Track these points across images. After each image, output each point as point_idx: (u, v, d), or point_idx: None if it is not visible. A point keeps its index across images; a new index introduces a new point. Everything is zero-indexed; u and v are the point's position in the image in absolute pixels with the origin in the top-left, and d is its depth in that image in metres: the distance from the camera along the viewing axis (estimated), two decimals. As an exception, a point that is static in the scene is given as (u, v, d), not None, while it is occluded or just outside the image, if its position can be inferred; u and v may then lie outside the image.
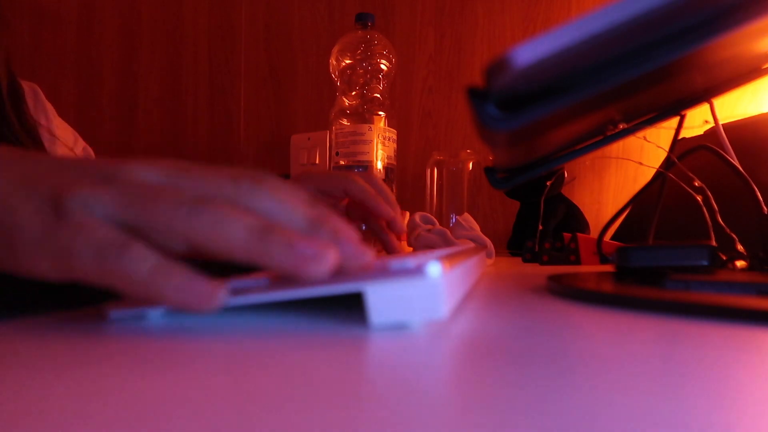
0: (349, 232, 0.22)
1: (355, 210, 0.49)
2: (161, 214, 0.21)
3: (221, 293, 0.20)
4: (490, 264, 0.61)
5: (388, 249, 0.50)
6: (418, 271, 0.19)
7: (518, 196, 1.02)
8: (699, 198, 0.41)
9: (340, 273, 0.21)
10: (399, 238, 0.50)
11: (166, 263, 0.20)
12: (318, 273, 0.20)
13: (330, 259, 0.20)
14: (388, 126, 0.87)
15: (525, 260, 0.71)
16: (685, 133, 0.46)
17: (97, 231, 0.20)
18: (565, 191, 0.99)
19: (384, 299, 0.19)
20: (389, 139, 0.87)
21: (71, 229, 0.20)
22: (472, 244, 0.57)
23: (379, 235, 0.49)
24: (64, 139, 0.77)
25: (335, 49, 0.89)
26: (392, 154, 0.88)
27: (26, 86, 0.67)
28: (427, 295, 0.19)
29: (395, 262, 0.20)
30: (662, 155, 0.46)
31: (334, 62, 0.89)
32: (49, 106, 0.75)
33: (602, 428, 0.10)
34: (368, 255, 0.22)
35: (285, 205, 0.23)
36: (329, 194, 0.47)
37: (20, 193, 0.21)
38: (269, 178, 0.23)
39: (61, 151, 0.74)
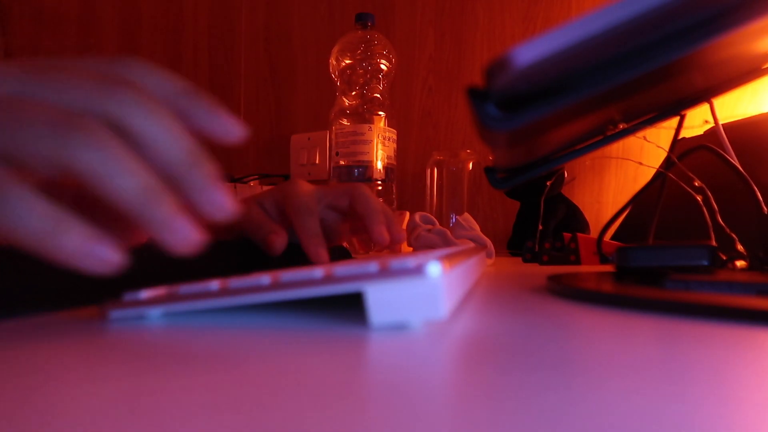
0: (220, 182, 0.22)
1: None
2: (33, 140, 0.18)
3: (108, 251, 0.19)
4: (490, 264, 0.61)
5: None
6: (418, 271, 0.19)
7: (518, 196, 1.02)
8: (699, 198, 0.41)
9: (338, 274, 0.21)
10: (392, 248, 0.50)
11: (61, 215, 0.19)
12: (182, 251, 0.20)
13: (197, 239, 0.20)
14: (388, 126, 0.87)
15: (525, 260, 0.71)
16: (685, 133, 0.46)
17: None
18: (565, 191, 0.99)
19: (384, 299, 0.19)
20: (389, 139, 0.87)
21: None
22: (472, 244, 0.57)
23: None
24: None
25: (335, 49, 0.89)
26: (392, 154, 0.88)
27: None
28: (427, 295, 0.19)
29: (395, 262, 0.20)
30: (662, 155, 0.46)
31: (334, 62, 0.89)
32: None
33: (602, 428, 0.10)
34: (232, 207, 0.22)
35: (166, 132, 0.21)
36: (336, 210, 0.48)
37: None
38: (147, 91, 0.21)
39: None
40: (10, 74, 0.20)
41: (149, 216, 0.20)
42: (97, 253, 0.19)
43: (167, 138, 0.21)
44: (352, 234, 0.53)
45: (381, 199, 0.73)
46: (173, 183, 0.21)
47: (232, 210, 0.21)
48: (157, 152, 0.21)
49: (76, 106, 0.20)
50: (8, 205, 0.18)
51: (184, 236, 0.20)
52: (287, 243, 0.44)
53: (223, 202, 0.21)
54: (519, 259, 0.79)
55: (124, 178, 0.19)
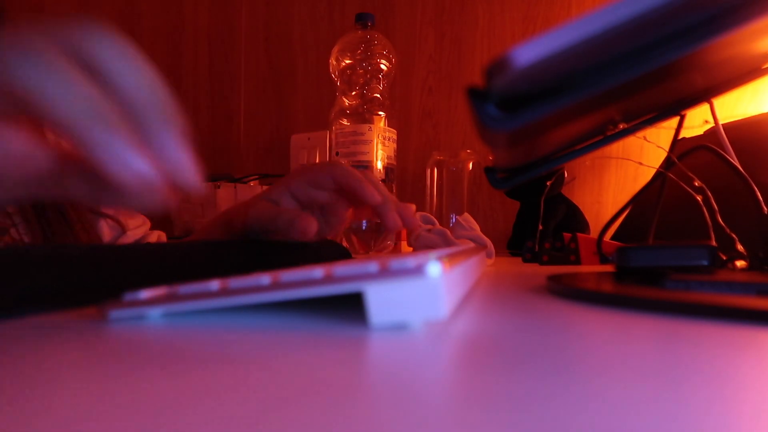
0: (179, 125, 0.20)
1: (361, 210, 0.48)
2: None
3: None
4: (490, 264, 0.61)
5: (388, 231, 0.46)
6: (418, 270, 0.19)
7: (518, 196, 1.02)
8: (699, 198, 0.41)
9: (338, 274, 0.21)
10: (392, 230, 0.48)
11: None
12: (121, 177, 0.18)
13: (143, 168, 0.18)
14: (388, 126, 0.87)
15: (525, 260, 0.71)
16: (685, 133, 0.46)
17: None
18: (565, 191, 0.99)
19: (384, 299, 0.19)
20: (389, 139, 0.87)
21: None
22: (472, 244, 0.57)
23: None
24: None
25: (335, 49, 0.89)
26: (392, 154, 0.88)
27: None
28: (427, 295, 0.19)
29: (395, 262, 0.20)
30: (662, 155, 0.46)
31: (334, 62, 0.89)
32: None
33: (602, 428, 0.10)
34: (185, 153, 0.20)
35: (131, 65, 0.20)
36: (320, 187, 0.45)
37: None
38: (113, 30, 0.21)
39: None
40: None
41: (90, 135, 0.18)
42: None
43: (132, 72, 0.20)
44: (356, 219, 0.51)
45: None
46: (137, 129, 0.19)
47: (193, 175, 0.20)
48: (125, 88, 0.19)
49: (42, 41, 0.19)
50: (56, 78, 0.18)
51: (129, 163, 0.18)
52: (317, 226, 0.40)
53: (184, 161, 0.20)
54: (519, 259, 0.79)
55: (67, 96, 0.18)
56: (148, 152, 0.19)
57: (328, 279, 0.20)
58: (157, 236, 0.68)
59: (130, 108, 0.19)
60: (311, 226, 0.39)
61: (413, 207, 0.45)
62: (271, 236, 0.42)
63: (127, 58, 0.20)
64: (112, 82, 0.19)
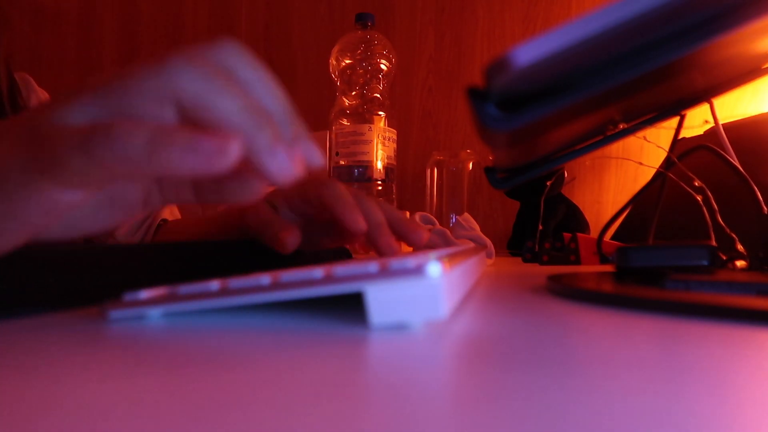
0: (311, 137, 0.24)
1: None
2: (144, 80, 0.20)
3: (233, 146, 0.19)
4: (490, 264, 0.61)
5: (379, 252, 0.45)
6: (418, 271, 0.19)
7: (518, 196, 1.02)
8: (699, 198, 0.41)
9: (338, 274, 0.21)
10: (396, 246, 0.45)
11: (163, 126, 0.19)
12: (285, 178, 0.21)
13: (292, 170, 0.21)
14: (388, 126, 0.87)
15: (525, 260, 0.71)
16: (685, 133, 0.46)
17: (70, 129, 0.20)
18: (565, 191, 0.99)
19: (384, 299, 0.19)
20: (389, 139, 0.87)
21: (51, 141, 0.20)
22: (472, 244, 0.57)
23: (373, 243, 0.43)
24: None
25: (335, 49, 0.89)
26: (392, 154, 0.88)
27: (18, 78, 0.67)
28: (427, 295, 0.19)
29: (395, 262, 0.20)
30: (662, 155, 0.46)
31: (334, 62, 0.89)
32: (42, 94, 0.75)
33: (602, 428, 0.10)
34: (322, 158, 0.24)
35: (269, 85, 0.23)
36: (308, 203, 0.43)
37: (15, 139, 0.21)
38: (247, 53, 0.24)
39: None
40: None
41: (254, 136, 0.20)
42: (205, 147, 0.19)
43: (268, 89, 0.23)
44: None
45: (381, 199, 0.72)
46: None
47: (321, 160, 0.23)
48: (261, 97, 0.23)
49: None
50: (221, 90, 0.20)
51: (284, 163, 0.21)
52: (299, 241, 0.40)
53: (315, 153, 0.23)
54: (519, 259, 0.79)
55: (227, 100, 0.20)
56: (288, 149, 0.22)
57: (328, 279, 0.20)
58: (170, 211, 0.69)
59: (268, 112, 0.23)
60: (291, 241, 0.39)
61: (406, 214, 0.44)
62: (262, 241, 0.42)
63: (258, 70, 0.23)
64: (251, 92, 0.22)
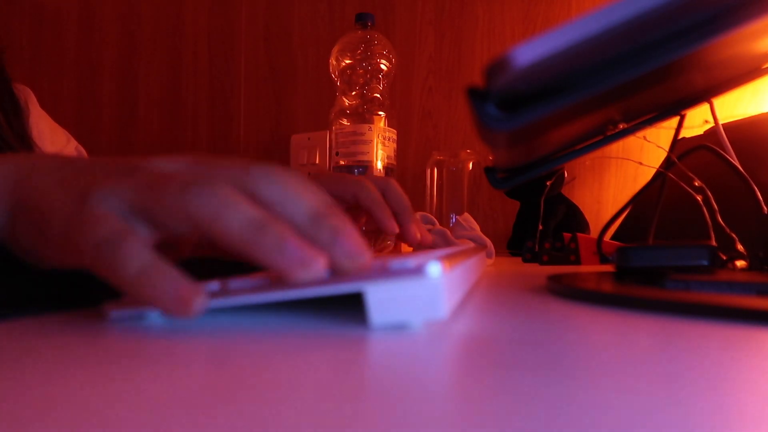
0: (351, 230, 0.22)
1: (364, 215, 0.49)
2: (166, 196, 0.21)
3: (198, 301, 0.20)
4: (490, 264, 0.61)
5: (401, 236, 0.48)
6: (418, 271, 0.19)
7: (518, 196, 1.02)
8: (699, 198, 0.41)
9: (338, 274, 0.21)
10: (410, 245, 0.49)
11: (157, 265, 0.20)
12: (305, 277, 0.20)
13: (319, 265, 0.20)
14: (388, 126, 0.87)
15: (525, 260, 0.71)
16: (685, 133, 0.46)
17: (102, 224, 0.21)
18: (565, 191, 0.99)
19: (384, 299, 0.19)
20: (389, 139, 0.87)
21: (84, 220, 0.22)
22: (472, 244, 0.57)
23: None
24: (53, 141, 0.77)
25: (335, 49, 0.89)
26: (392, 154, 0.88)
27: (20, 88, 0.67)
28: (427, 295, 0.19)
29: (395, 262, 0.20)
30: (662, 155, 0.46)
31: (334, 62, 0.89)
32: (40, 112, 0.76)
33: (602, 428, 0.10)
34: (365, 256, 0.22)
35: (291, 194, 0.23)
36: (342, 201, 0.46)
37: (59, 190, 0.24)
38: (280, 168, 0.24)
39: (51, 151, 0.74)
40: (180, 158, 0.25)
41: (256, 244, 0.20)
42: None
43: (292, 199, 0.23)
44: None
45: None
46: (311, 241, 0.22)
47: (365, 256, 0.22)
48: (285, 213, 0.23)
49: (216, 178, 0.23)
50: (226, 205, 0.21)
51: (300, 259, 0.20)
52: None
53: (352, 250, 0.22)
54: (519, 259, 0.79)
55: (228, 217, 0.21)
56: (300, 242, 0.21)
57: (329, 279, 0.20)
58: (75, 147, 0.72)
59: (299, 226, 0.23)
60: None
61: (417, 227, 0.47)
62: None
63: (286, 185, 0.23)
64: (272, 207, 0.23)
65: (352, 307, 0.24)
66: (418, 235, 0.45)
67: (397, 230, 0.44)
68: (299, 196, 0.23)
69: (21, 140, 0.59)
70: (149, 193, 0.22)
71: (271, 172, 0.23)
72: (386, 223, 0.44)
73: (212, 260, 0.40)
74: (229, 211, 0.21)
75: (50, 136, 0.76)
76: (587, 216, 0.97)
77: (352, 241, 0.22)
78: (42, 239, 0.24)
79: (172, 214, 0.21)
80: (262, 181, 0.23)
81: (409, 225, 0.45)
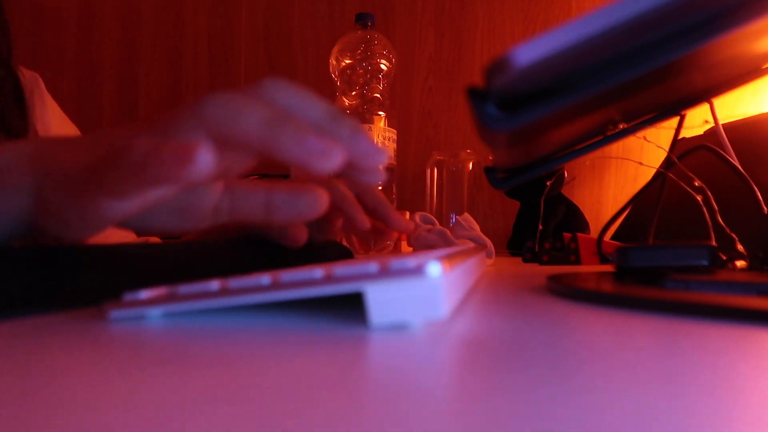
0: (365, 131, 0.24)
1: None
2: (183, 114, 0.23)
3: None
4: (490, 264, 0.61)
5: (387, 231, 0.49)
6: (418, 271, 0.19)
7: (518, 196, 1.02)
8: (699, 198, 0.41)
9: (338, 274, 0.21)
10: (402, 232, 0.50)
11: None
12: (324, 167, 0.21)
13: (338, 156, 0.21)
14: (388, 126, 0.87)
15: (525, 260, 0.71)
16: (685, 133, 0.46)
17: (137, 144, 0.22)
18: (565, 191, 0.99)
19: (384, 299, 0.19)
20: (389, 139, 0.87)
21: (122, 146, 0.22)
22: (472, 244, 0.57)
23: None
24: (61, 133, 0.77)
25: (335, 49, 0.89)
26: (392, 154, 0.88)
27: (28, 75, 0.67)
28: (427, 295, 0.19)
29: (395, 262, 0.20)
30: (662, 155, 0.46)
31: (334, 62, 0.89)
32: (47, 99, 0.75)
33: (602, 428, 0.10)
34: (383, 154, 0.23)
35: (307, 98, 0.24)
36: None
37: (86, 147, 0.26)
38: (292, 83, 0.25)
39: None
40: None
41: (275, 140, 0.21)
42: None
43: (308, 102, 0.24)
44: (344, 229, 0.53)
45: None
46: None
47: (384, 154, 0.23)
48: (302, 113, 0.24)
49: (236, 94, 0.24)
50: (240, 111, 0.22)
51: (320, 149, 0.21)
52: (306, 237, 0.43)
53: (372, 146, 0.23)
54: (519, 259, 0.79)
55: (246, 118, 0.21)
56: (319, 137, 0.22)
57: (328, 279, 0.20)
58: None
59: (317, 124, 0.24)
60: (302, 236, 0.42)
61: (405, 215, 0.48)
62: (266, 237, 0.43)
63: (302, 94, 0.24)
64: (290, 110, 0.24)
65: (352, 307, 0.24)
66: (405, 220, 0.46)
67: (368, 225, 0.45)
68: (315, 100, 0.24)
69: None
70: (165, 119, 0.23)
71: (284, 82, 0.24)
72: (358, 217, 0.44)
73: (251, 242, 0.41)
74: (247, 110, 0.21)
75: (57, 130, 0.76)
76: (587, 216, 0.97)
77: (371, 140, 0.23)
78: (70, 197, 0.25)
79: (188, 128, 0.22)
80: (276, 89, 0.24)
81: (392, 213, 0.46)
